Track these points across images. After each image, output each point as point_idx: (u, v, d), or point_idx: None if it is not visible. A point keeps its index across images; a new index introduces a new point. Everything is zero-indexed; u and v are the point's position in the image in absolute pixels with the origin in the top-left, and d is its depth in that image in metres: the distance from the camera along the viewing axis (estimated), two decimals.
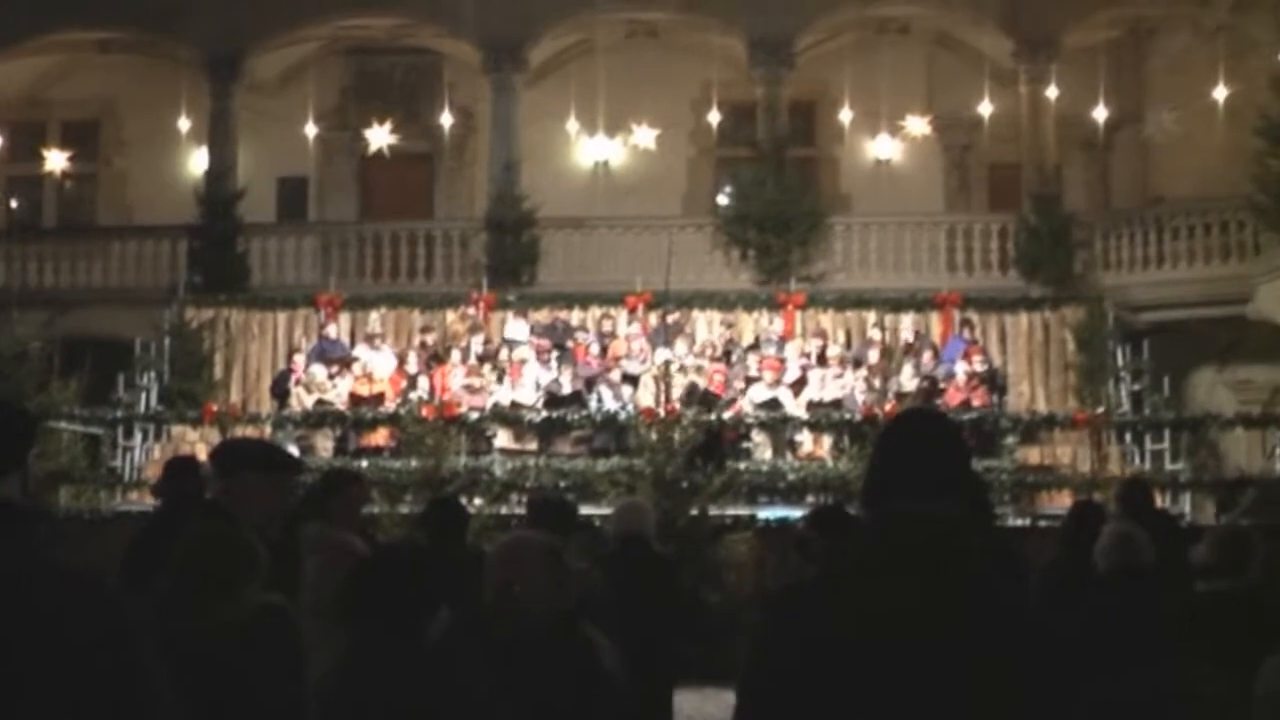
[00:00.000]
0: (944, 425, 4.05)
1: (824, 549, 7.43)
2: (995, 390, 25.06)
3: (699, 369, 24.00)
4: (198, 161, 31.10)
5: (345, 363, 24.97)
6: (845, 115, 30.15)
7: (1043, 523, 18.88)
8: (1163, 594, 8.04)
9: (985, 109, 29.42)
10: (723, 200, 31.49)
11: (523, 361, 24.53)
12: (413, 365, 24.96)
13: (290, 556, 6.78)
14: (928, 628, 3.38)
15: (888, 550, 3.54)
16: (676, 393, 22.38)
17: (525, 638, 5.27)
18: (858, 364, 24.93)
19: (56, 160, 31.58)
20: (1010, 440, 23.02)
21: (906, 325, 26.92)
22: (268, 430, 23.60)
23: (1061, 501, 20.58)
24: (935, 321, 27.39)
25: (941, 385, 23.97)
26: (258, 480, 6.55)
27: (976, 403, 23.45)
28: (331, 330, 26.81)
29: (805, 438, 23.04)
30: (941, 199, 32.42)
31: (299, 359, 25.34)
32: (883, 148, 31.62)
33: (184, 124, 30.28)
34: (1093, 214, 29.82)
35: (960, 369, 24.43)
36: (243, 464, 6.74)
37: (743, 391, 23.63)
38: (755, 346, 25.81)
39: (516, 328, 26.62)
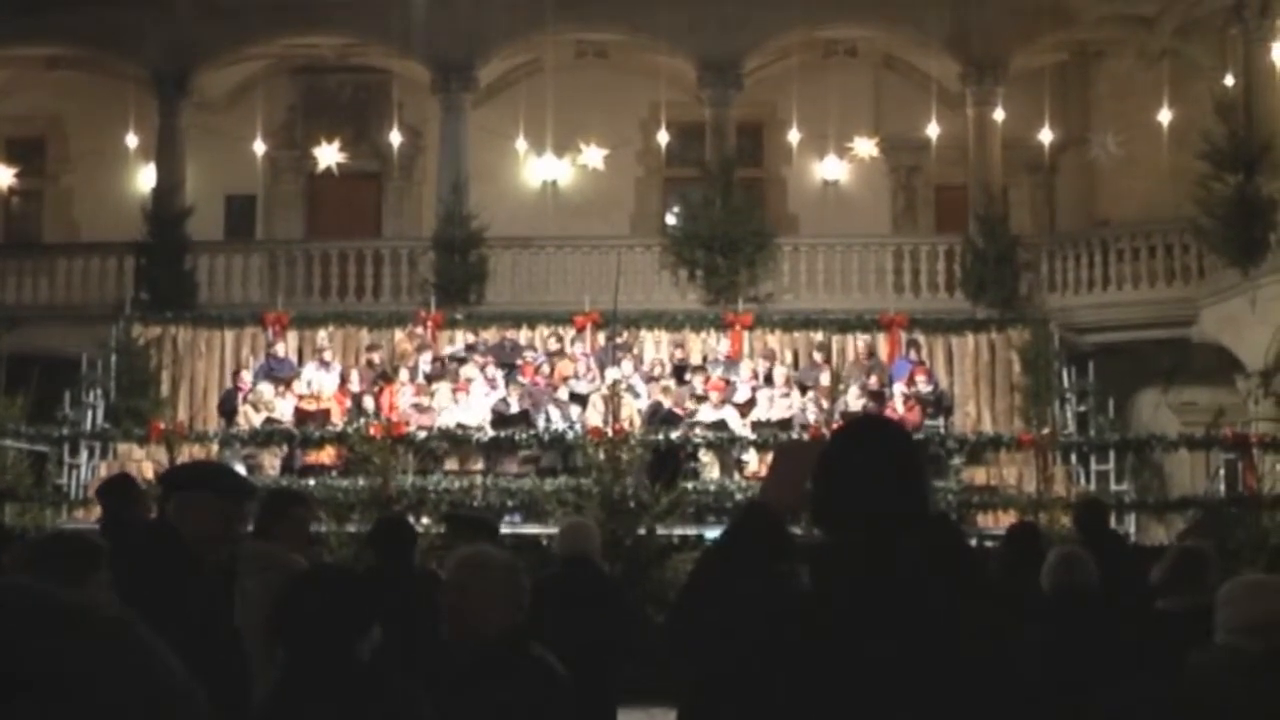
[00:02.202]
0: (894, 433, 3.97)
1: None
2: (941, 411, 25.14)
3: (665, 389, 24.04)
4: (145, 179, 31.00)
5: (289, 381, 24.90)
6: (793, 136, 30.21)
7: (988, 543, 18.89)
8: (1113, 614, 8.11)
9: (932, 131, 29.48)
10: (671, 220, 31.55)
11: (469, 380, 24.49)
12: (356, 384, 24.92)
13: (228, 578, 6.73)
14: (879, 653, 3.37)
15: (838, 572, 3.52)
16: (625, 412, 22.38)
17: (487, 651, 5.27)
18: (805, 389, 24.94)
19: (2, 176, 31.38)
20: (956, 461, 23.07)
21: (853, 347, 27.05)
22: (215, 448, 23.48)
23: (1007, 522, 20.61)
24: (882, 342, 27.43)
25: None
26: (208, 501, 6.49)
27: (912, 422, 23.43)
28: (280, 349, 26.71)
29: (751, 457, 23.05)
30: (888, 220, 32.54)
31: (246, 375, 25.29)
32: (830, 169, 31.77)
33: (131, 141, 30.17)
34: (1038, 236, 29.96)
35: (898, 389, 24.51)
36: (194, 483, 6.69)
37: (692, 412, 23.68)
38: (701, 367, 25.80)
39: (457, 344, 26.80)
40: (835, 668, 3.38)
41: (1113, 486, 22.82)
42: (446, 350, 26.75)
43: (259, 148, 30.38)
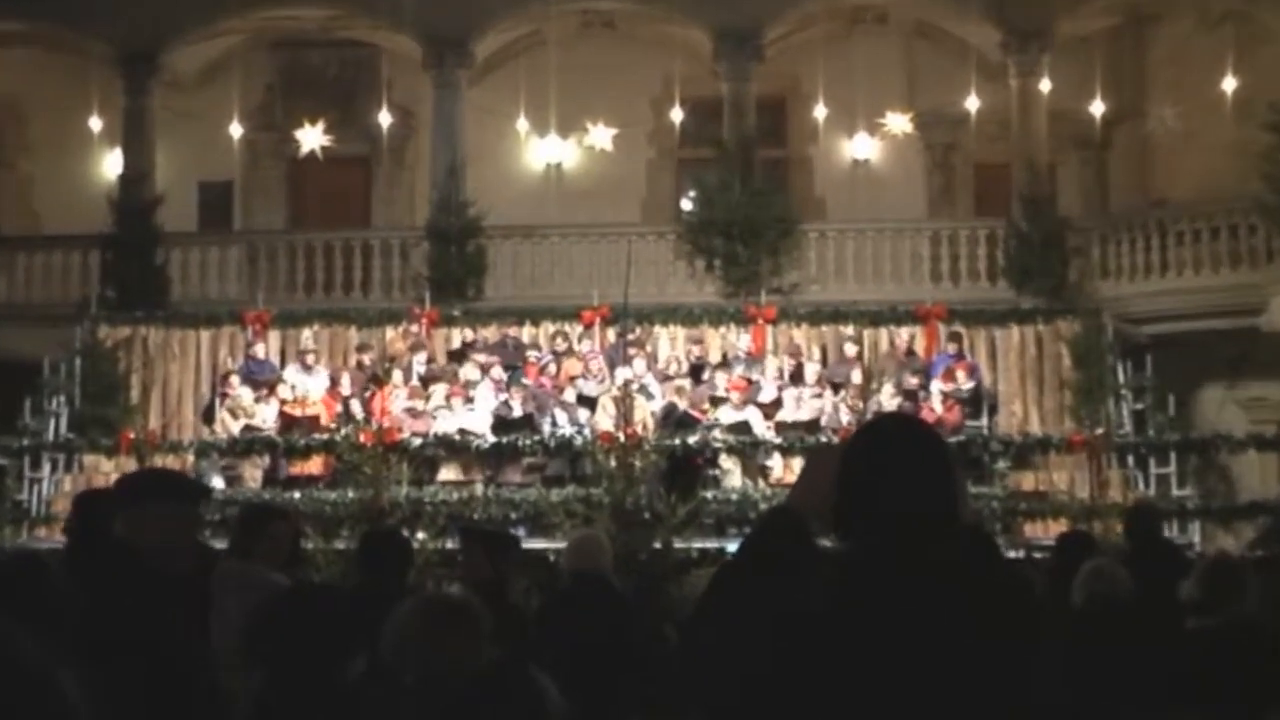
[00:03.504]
0: (919, 431, 4.03)
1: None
2: (983, 411, 25.04)
3: (680, 389, 23.95)
4: (111, 165, 30.97)
5: (272, 385, 24.85)
6: (819, 112, 30.21)
7: (1037, 554, 18.84)
8: (1156, 629, 8.07)
9: (971, 104, 29.39)
10: (686, 206, 31.48)
11: (467, 383, 24.40)
12: (346, 387, 24.84)
13: (201, 595, 6.67)
14: (899, 661, 3.44)
15: (861, 579, 3.52)
16: (638, 415, 22.33)
17: (458, 690, 5.22)
18: (835, 387, 24.85)
19: None
20: (1001, 464, 23.03)
21: (887, 342, 26.98)
22: (190, 459, 23.46)
23: (1057, 531, 20.53)
24: (919, 336, 27.27)
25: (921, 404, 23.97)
26: (156, 511, 6.43)
27: (950, 422, 23.27)
28: (260, 350, 26.67)
29: (777, 462, 22.97)
30: (924, 203, 32.42)
31: (235, 381, 25.20)
32: (860, 147, 31.67)
33: (96, 124, 30.17)
34: (1089, 218, 29.83)
35: (936, 387, 24.42)
36: (139, 495, 6.64)
37: (712, 418, 23.59)
38: (724, 364, 25.72)
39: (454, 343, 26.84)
40: (856, 676, 3.47)
41: (1174, 491, 22.78)
42: (455, 345, 26.76)
43: (235, 130, 30.40)
